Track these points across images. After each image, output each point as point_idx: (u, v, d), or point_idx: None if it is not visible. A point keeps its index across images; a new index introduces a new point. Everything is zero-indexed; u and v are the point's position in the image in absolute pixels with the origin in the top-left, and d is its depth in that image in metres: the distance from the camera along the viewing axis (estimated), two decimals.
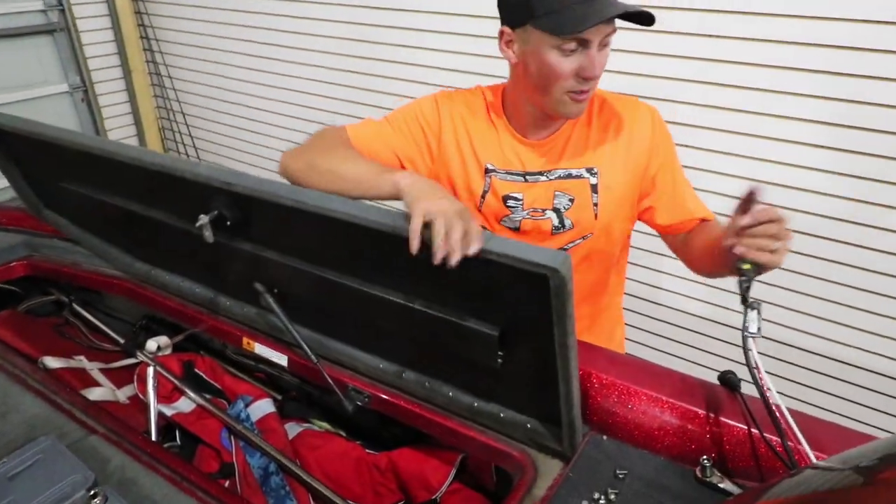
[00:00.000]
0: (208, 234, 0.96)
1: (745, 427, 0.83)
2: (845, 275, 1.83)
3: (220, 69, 3.38)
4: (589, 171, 1.09)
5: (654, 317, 2.25)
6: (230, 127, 3.51)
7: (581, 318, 0.92)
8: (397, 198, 0.88)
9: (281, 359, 1.12)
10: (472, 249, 0.72)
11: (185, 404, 1.16)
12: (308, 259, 0.97)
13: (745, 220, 0.81)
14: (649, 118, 1.09)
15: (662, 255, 2.09)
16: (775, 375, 2.02)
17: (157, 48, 3.61)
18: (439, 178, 1.14)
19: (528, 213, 1.11)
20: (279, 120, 3.25)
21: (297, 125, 3.17)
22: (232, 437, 1.10)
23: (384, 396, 1.01)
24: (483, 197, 1.12)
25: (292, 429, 1.14)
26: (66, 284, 1.46)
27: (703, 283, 2.03)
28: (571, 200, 1.09)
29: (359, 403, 1.02)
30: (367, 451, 1.09)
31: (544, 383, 0.82)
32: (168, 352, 1.30)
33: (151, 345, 1.27)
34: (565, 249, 1.13)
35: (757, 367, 0.79)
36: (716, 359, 2.15)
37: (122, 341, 1.36)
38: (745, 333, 0.80)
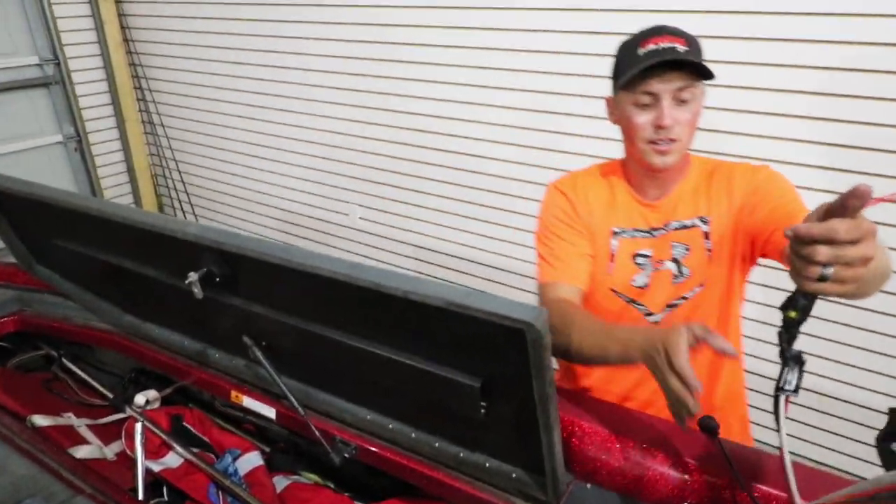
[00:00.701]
0: (197, 291, 0.98)
1: (725, 475, 0.85)
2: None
3: (213, 118, 3.45)
4: (701, 219, 1.15)
5: None
6: (224, 173, 3.57)
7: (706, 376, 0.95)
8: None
9: (269, 411, 1.13)
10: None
11: (173, 459, 1.16)
12: (295, 313, 0.99)
13: (803, 229, 0.66)
14: (752, 168, 1.14)
15: None
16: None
17: (151, 98, 3.69)
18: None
19: (653, 267, 1.17)
20: (274, 167, 3.31)
21: (294, 172, 3.23)
22: (219, 493, 1.10)
23: (371, 448, 1.02)
24: (612, 260, 1.18)
25: (280, 482, 1.13)
26: (56, 339, 1.47)
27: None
28: (687, 249, 1.15)
29: (346, 455, 1.03)
30: (356, 503, 1.09)
31: (527, 433, 0.84)
32: (157, 405, 1.31)
33: (140, 399, 1.27)
34: (686, 298, 1.16)
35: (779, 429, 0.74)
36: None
37: (110, 396, 1.36)
38: (781, 391, 0.72)
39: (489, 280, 2.72)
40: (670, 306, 1.18)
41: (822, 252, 0.65)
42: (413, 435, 0.99)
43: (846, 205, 0.63)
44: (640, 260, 1.17)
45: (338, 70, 2.80)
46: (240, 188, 3.53)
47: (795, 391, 0.72)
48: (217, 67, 3.28)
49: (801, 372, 0.73)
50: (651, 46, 1.02)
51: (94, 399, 1.39)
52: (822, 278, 0.65)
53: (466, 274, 2.80)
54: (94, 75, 3.56)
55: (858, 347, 1.90)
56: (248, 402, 1.15)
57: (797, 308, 0.74)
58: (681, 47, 1.01)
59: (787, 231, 0.67)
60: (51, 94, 3.43)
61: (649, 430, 0.93)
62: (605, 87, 1.15)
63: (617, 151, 1.21)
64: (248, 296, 1.03)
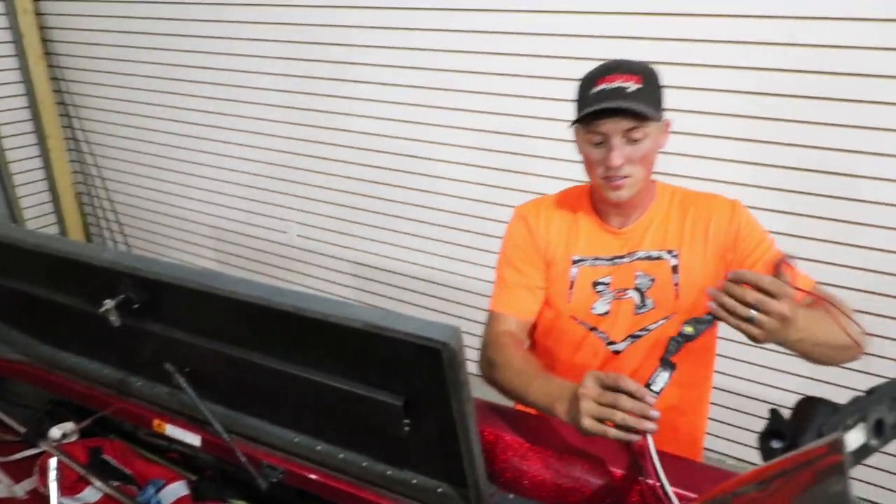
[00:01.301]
0: (114, 319, 0.96)
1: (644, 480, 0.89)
2: None
3: (143, 134, 3.35)
4: (669, 252, 1.15)
5: None
6: (155, 192, 3.46)
7: (666, 410, 0.95)
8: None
9: (194, 438, 1.11)
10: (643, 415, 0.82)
11: (91, 494, 1.11)
12: (218, 338, 0.98)
13: (738, 275, 0.83)
14: (729, 206, 1.16)
15: None
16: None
17: (76, 114, 3.54)
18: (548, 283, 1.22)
19: (614, 295, 1.18)
20: (208, 184, 3.23)
21: (230, 190, 3.16)
22: None
23: (300, 471, 1.01)
24: (571, 288, 1.19)
25: None
26: None
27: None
28: (652, 280, 1.15)
29: (273, 480, 1.02)
30: None
31: (450, 448, 0.86)
32: (74, 438, 1.25)
33: (55, 432, 1.22)
34: (649, 330, 1.17)
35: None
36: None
37: (22, 430, 1.29)
38: (649, 388, 0.84)
39: (442, 299, 2.74)
40: (633, 337, 1.19)
41: (751, 295, 0.81)
42: (341, 455, 1.00)
43: (776, 271, 0.84)
44: (599, 287, 1.18)
45: (277, 87, 2.78)
46: (172, 206, 3.42)
47: (658, 393, 0.84)
48: (147, 83, 3.19)
49: (669, 378, 0.85)
50: (602, 86, 1.04)
51: (5, 435, 1.31)
52: (748, 319, 0.82)
53: (413, 291, 2.82)
54: (11, 90, 3.38)
55: (771, 350, 2.03)
56: (172, 430, 1.12)
57: (695, 328, 0.87)
58: (633, 86, 1.03)
59: (731, 274, 0.84)
60: None
61: (570, 438, 0.97)
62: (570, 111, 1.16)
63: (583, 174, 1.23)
64: (168, 322, 1.01)
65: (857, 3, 1.68)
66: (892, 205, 1.81)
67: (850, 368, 1.97)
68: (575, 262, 1.19)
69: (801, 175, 1.91)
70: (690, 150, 2.00)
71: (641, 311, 1.17)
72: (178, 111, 3.14)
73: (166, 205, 3.43)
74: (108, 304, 0.95)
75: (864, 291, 1.92)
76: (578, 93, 1.10)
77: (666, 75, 1.12)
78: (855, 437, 0.63)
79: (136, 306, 0.97)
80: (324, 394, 0.91)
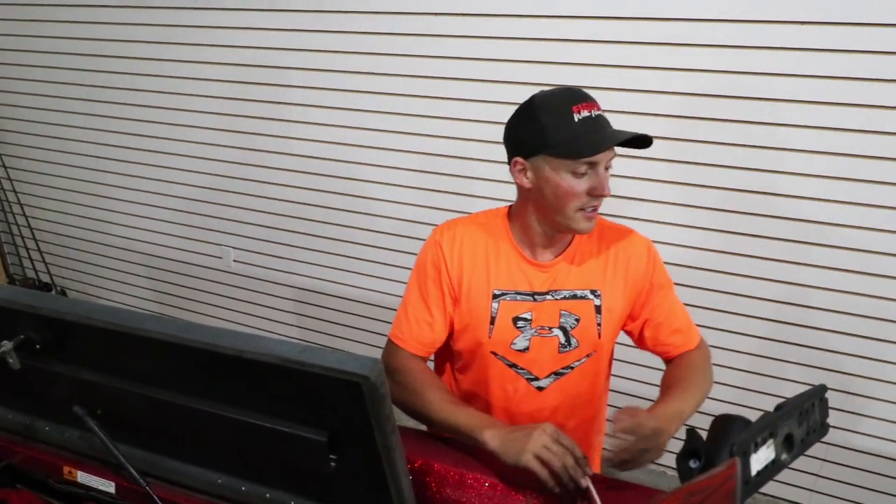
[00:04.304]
0: (13, 361, 0.89)
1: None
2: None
3: (66, 158, 3.17)
4: (593, 293, 1.16)
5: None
6: (80, 217, 3.28)
7: (571, 430, 1.08)
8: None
9: (108, 485, 1.03)
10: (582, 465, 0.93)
11: None
12: (130, 378, 0.92)
13: (624, 425, 0.93)
14: (645, 247, 1.19)
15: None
16: None
17: None
18: (463, 318, 1.19)
19: (536, 331, 1.16)
20: (138, 210, 3.09)
21: (162, 215, 3.03)
22: None
23: None
24: (492, 323, 1.16)
25: None
26: None
27: None
28: (577, 320, 1.16)
29: None
30: None
31: (379, 482, 0.84)
32: None
33: None
34: (572, 367, 1.19)
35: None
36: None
37: None
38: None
39: (382, 321, 2.70)
40: (556, 374, 1.20)
41: (634, 449, 0.93)
42: (267, 495, 0.95)
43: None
44: (519, 323, 1.16)
45: (210, 110, 2.70)
46: (98, 233, 3.25)
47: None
48: (70, 105, 3.04)
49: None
50: (585, 113, 1.03)
51: None
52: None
53: (353, 315, 2.77)
54: None
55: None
56: (84, 477, 1.05)
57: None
58: (603, 114, 1.06)
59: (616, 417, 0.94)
60: None
61: (496, 462, 0.96)
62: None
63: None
64: (75, 362, 0.94)
65: (769, 33, 1.79)
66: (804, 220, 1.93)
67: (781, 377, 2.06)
68: (496, 296, 1.16)
69: (721, 194, 2.00)
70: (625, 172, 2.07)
71: (566, 349, 1.17)
72: (103, 134, 3.00)
73: (93, 231, 3.26)
74: (6, 345, 0.88)
75: (778, 302, 2.03)
76: (551, 122, 1.04)
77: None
78: (765, 454, 0.65)
79: (38, 346, 0.91)
80: (245, 432, 0.87)
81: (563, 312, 1.15)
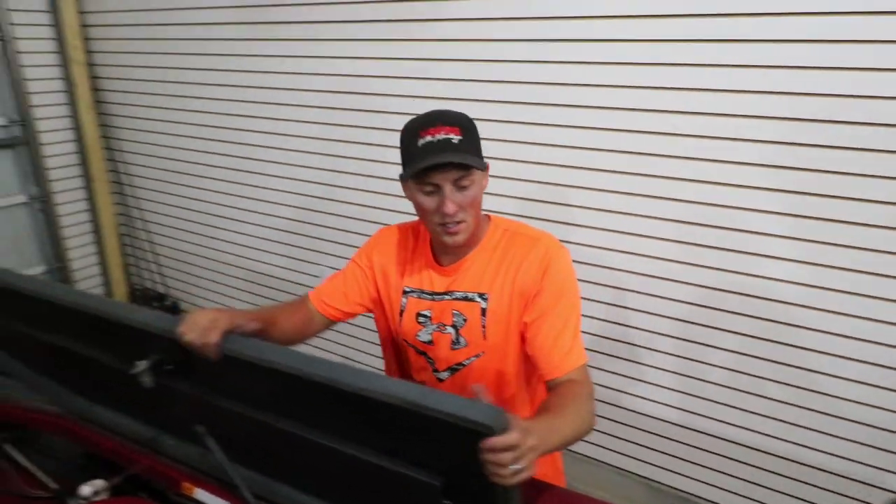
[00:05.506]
0: (147, 380, 0.94)
1: None
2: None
3: (182, 178, 3.43)
4: (481, 295, 1.22)
5: (622, 422, 2.23)
6: (192, 234, 3.52)
7: None
8: None
9: None
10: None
11: None
12: (251, 404, 0.95)
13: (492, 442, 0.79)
14: (545, 256, 1.18)
15: (629, 360, 2.13)
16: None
17: (121, 158, 3.66)
18: (382, 304, 1.31)
19: (436, 327, 1.26)
20: (244, 228, 3.27)
21: (265, 234, 3.20)
22: None
23: None
24: (401, 315, 1.29)
25: None
26: None
27: (673, 389, 2.08)
28: (465, 320, 1.23)
29: None
30: None
31: None
32: (105, 496, 1.22)
33: (86, 490, 1.19)
34: (464, 365, 1.26)
35: None
36: (684, 464, 2.13)
37: (54, 486, 1.27)
38: None
39: None
40: (451, 369, 1.27)
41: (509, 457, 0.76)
42: None
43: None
44: (421, 319, 1.27)
45: (311, 135, 2.82)
46: (209, 249, 3.48)
47: None
48: (187, 130, 3.29)
49: None
50: (428, 138, 1.08)
51: (37, 490, 1.29)
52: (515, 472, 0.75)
53: None
54: (62, 136, 3.53)
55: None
56: (201, 494, 1.09)
57: None
58: (455, 137, 1.08)
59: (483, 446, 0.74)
60: (17, 154, 3.39)
61: None
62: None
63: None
64: (201, 384, 0.99)
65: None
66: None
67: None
68: (405, 292, 1.28)
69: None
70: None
71: (456, 347, 1.25)
72: (215, 157, 3.21)
73: (203, 247, 3.49)
74: (141, 365, 0.94)
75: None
76: (403, 144, 1.13)
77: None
78: None
79: (169, 367, 0.96)
80: (357, 466, 0.87)
81: (454, 312, 1.23)
